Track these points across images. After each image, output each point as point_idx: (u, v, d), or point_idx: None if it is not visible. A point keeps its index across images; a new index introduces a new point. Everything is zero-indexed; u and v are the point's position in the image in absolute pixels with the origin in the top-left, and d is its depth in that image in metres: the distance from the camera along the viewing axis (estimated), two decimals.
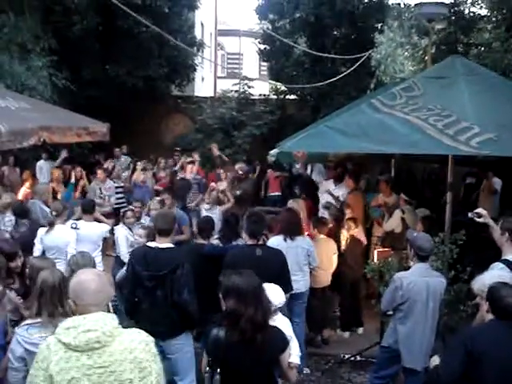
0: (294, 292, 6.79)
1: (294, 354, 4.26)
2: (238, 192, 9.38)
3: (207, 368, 4.09)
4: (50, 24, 13.71)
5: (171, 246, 5.45)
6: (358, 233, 8.35)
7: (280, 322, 4.46)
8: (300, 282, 6.92)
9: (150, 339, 3.21)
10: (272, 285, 4.59)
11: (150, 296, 5.14)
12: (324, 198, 9.71)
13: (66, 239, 7.09)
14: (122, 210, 8.15)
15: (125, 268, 5.98)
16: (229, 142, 15.30)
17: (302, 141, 6.40)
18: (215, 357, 4.01)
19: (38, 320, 3.91)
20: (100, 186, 10.72)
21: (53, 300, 3.94)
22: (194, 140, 16.15)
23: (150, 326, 4.24)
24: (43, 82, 12.07)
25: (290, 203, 8.14)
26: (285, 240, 6.74)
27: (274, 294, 4.55)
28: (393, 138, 5.88)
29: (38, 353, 3.10)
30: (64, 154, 11.71)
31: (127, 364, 3.03)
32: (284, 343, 4.02)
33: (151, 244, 5.47)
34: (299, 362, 4.41)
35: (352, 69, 13.06)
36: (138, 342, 3.12)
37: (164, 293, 5.12)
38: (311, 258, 7.01)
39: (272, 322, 4.23)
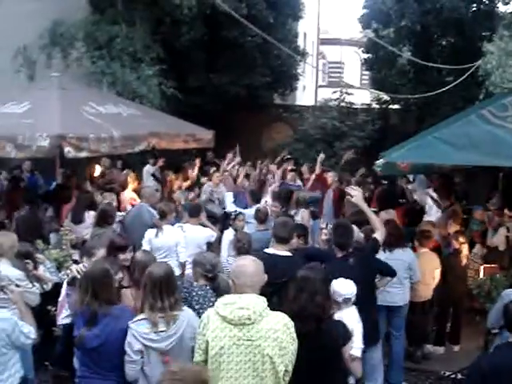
0: (391, 305, 6.73)
1: (355, 346, 4.47)
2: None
3: None
4: (159, 34, 14.21)
5: (289, 254, 5.50)
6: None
7: (347, 314, 4.69)
8: (398, 296, 6.81)
9: (292, 324, 3.69)
10: (342, 279, 4.86)
11: None
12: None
13: (175, 239, 7.33)
14: (234, 213, 8.28)
15: None
16: (331, 153, 15.22)
17: (409, 152, 6.31)
18: None
19: (146, 316, 4.08)
20: (213, 189, 10.88)
21: (153, 293, 4.09)
22: (296, 150, 16.19)
23: None
24: (153, 89, 12.52)
25: (383, 215, 7.98)
26: (384, 251, 6.67)
27: (343, 286, 4.82)
28: (504, 151, 5.69)
29: (200, 322, 3.76)
30: (160, 162, 12.08)
31: (270, 341, 3.54)
32: (345, 336, 4.26)
33: (269, 250, 5.55)
34: (359, 355, 4.55)
35: (461, 79, 12.72)
36: (282, 325, 3.62)
37: (280, 300, 5.17)
38: (413, 272, 6.87)
39: (339, 314, 4.58)
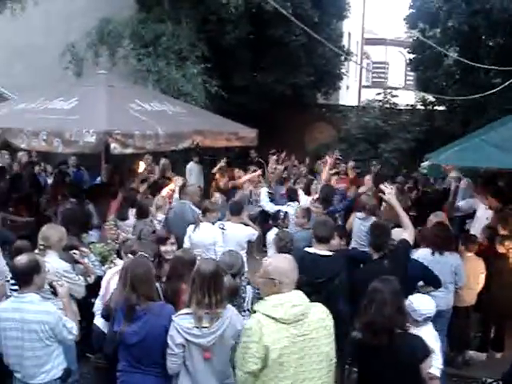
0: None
1: (434, 365, 4.28)
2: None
3: (346, 366, 4.31)
4: (205, 33, 14.31)
5: (329, 253, 5.47)
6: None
7: (426, 332, 4.52)
8: (442, 300, 6.69)
9: (328, 311, 3.82)
10: (421, 295, 4.76)
11: None
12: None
13: (212, 238, 7.33)
14: (280, 214, 8.26)
15: None
16: (373, 153, 15.10)
17: (456, 154, 6.22)
18: (353, 356, 4.42)
19: (191, 311, 4.11)
20: (252, 190, 10.87)
21: (202, 289, 4.10)
22: (339, 150, 16.09)
23: None
24: (197, 88, 12.61)
25: (432, 218, 7.86)
26: (432, 254, 6.57)
27: (422, 303, 4.69)
28: None
29: (247, 330, 3.64)
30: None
31: (321, 331, 3.66)
32: (423, 353, 4.06)
33: (310, 250, 5.53)
34: (438, 375, 4.39)
35: (510, 81, 12.45)
36: (326, 314, 3.76)
37: (319, 300, 5.13)
38: (458, 276, 6.76)
39: (417, 332, 4.37)
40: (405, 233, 5.70)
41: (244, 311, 4.94)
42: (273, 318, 3.56)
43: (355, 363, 4.45)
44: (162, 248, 5.65)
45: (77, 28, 13.93)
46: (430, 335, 4.55)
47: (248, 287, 5.12)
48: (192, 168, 12.94)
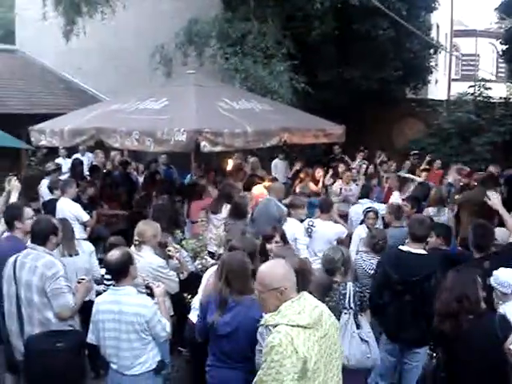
0: None
1: None
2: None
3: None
4: (290, 30, 14.28)
5: (424, 252, 5.37)
6: None
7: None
8: None
9: None
10: (504, 268, 4.61)
11: (397, 300, 5.11)
12: None
13: (291, 234, 7.16)
14: (365, 210, 8.13)
15: None
16: (467, 148, 14.60)
17: None
18: (434, 342, 4.40)
19: None
20: (342, 187, 10.75)
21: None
22: (429, 145, 15.69)
23: (397, 331, 4.37)
24: (284, 85, 12.60)
25: None
26: None
27: (509, 275, 4.54)
28: None
29: (275, 347, 3.22)
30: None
31: (333, 327, 3.46)
32: (504, 332, 3.94)
33: (403, 248, 5.44)
34: None
35: None
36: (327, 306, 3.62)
37: (413, 299, 5.06)
38: None
39: (505, 306, 4.35)
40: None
41: (345, 308, 4.85)
42: (300, 327, 3.27)
43: (436, 349, 4.38)
44: (268, 246, 5.75)
45: (165, 29, 14.25)
46: None
47: (349, 283, 5.04)
48: (277, 164, 13.00)
